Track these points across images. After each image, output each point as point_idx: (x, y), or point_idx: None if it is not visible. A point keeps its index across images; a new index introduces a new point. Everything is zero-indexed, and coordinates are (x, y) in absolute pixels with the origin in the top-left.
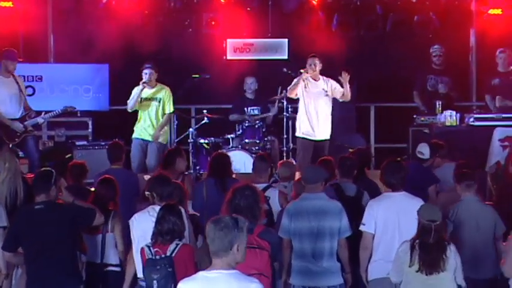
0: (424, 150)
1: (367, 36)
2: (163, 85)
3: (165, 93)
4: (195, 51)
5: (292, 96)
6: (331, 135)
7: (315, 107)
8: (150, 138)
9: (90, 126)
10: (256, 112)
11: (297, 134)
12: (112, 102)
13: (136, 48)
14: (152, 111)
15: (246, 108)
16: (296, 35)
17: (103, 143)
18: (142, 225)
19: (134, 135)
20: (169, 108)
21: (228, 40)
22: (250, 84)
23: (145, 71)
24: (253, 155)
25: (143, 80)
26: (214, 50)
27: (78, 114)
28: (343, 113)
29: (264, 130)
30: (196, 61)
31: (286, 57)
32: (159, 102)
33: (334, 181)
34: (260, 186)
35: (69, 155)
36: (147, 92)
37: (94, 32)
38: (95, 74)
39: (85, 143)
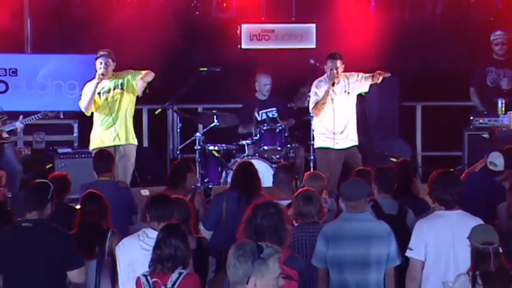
0: (497, 160)
1: (413, 20)
2: (117, 72)
3: (124, 74)
4: (202, 39)
5: (318, 116)
6: (368, 141)
7: (336, 109)
8: (121, 141)
9: (76, 131)
10: (271, 115)
11: (317, 144)
12: None
13: (132, 35)
14: (116, 103)
15: (257, 113)
16: (325, 18)
17: (91, 151)
18: (131, 252)
19: (94, 145)
20: (140, 72)
21: (243, 26)
22: (265, 85)
23: (100, 60)
24: (274, 165)
25: (99, 72)
26: (226, 37)
27: (61, 116)
28: (382, 114)
29: (286, 135)
30: (204, 51)
31: (313, 45)
32: (122, 87)
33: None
34: (282, 203)
35: (49, 166)
36: (104, 85)
37: (81, 15)
38: (82, 66)
39: (69, 150)
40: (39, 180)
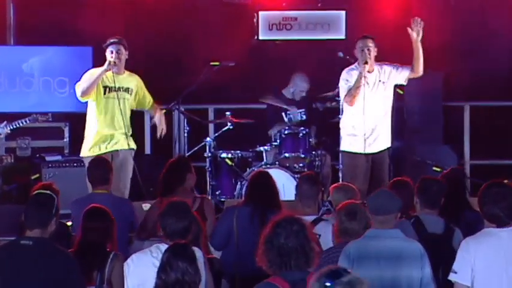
0: None
1: (461, 5)
2: (131, 73)
3: (137, 82)
4: (213, 28)
5: (353, 104)
6: (406, 147)
7: (367, 106)
8: (122, 146)
9: (67, 135)
10: (300, 117)
11: (344, 146)
12: None
13: (133, 24)
14: (121, 105)
15: (283, 113)
16: (357, 4)
17: (83, 158)
18: (142, 270)
19: (89, 151)
20: (147, 95)
21: (261, 13)
22: (301, 90)
23: (111, 48)
24: (297, 175)
25: (111, 59)
26: (241, 27)
27: (50, 118)
28: (424, 115)
29: (310, 140)
30: (215, 43)
31: (343, 36)
32: (131, 94)
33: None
34: (307, 219)
35: (35, 176)
36: (112, 79)
37: (73, 0)
38: (74, 60)
39: (59, 158)
40: (41, 192)
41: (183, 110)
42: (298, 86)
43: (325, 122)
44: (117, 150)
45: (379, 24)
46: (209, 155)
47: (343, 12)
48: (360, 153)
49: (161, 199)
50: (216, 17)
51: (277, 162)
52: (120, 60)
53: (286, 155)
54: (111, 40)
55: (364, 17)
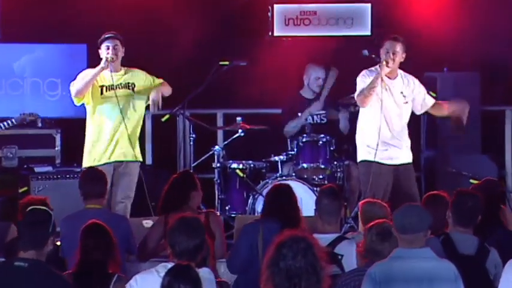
0: None
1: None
2: (129, 68)
3: (139, 73)
4: (222, 24)
5: (365, 105)
6: (440, 157)
7: (388, 116)
8: (127, 157)
9: (58, 143)
10: (320, 119)
11: (361, 156)
12: None
13: (130, 20)
14: (124, 106)
15: (301, 114)
16: None
17: (77, 169)
18: None
19: (90, 161)
20: (156, 79)
21: (276, 6)
22: (317, 78)
23: (107, 43)
24: (316, 189)
25: (108, 56)
26: (253, 22)
27: (39, 124)
28: None
29: (332, 149)
30: (224, 41)
31: (368, 32)
32: (133, 89)
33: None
34: (328, 238)
35: (23, 189)
36: (110, 77)
37: None
38: (66, 59)
39: (49, 169)
40: (36, 208)
41: (188, 115)
42: (311, 76)
43: (348, 128)
44: (121, 162)
45: (408, 19)
46: (218, 165)
47: (368, 6)
48: (378, 162)
49: (164, 216)
50: (226, 11)
51: (294, 174)
52: (117, 56)
53: (304, 165)
54: (107, 35)
55: (392, 10)
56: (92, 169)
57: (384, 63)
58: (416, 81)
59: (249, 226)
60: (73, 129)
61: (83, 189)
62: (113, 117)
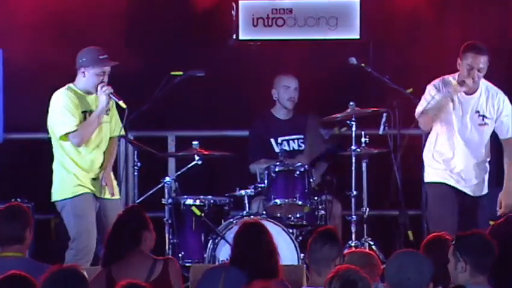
0: None
1: None
2: None
3: (112, 105)
4: (175, 25)
5: (426, 129)
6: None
7: (464, 136)
8: (107, 195)
9: None
10: (297, 146)
11: (428, 177)
12: (8, 127)
13: (62, 18)
14: (102, 135)
15: (273, 139)
16: None
17: None
18: None
19: (80, 189)
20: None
21: (241, 3)
22: (285, 87)
23: (103, 68)
24: (292, 230)
25: (108, 91)
26: (214, 23)
27: None
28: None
29: (312, 180)
30: (177, 46)
31: (357, 35)
32: (108, 114)
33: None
34: None
35: None
36: (92, 100)
37: None
38: None
39: None
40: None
41: (132, 138)
42: (280, 87)
43: (333, 154)
44: (104, 199)
45: (403, 17)
46: (169, 201)
47: (356, 1)
48: (452, 187)
49: (106, 269)
50: (180, 10)
51: (264, 212)
52: None
53: (278, 201)
54: (101, 56)
55: (387, 7)
56: (8, 207)
57: (460, 83)
58: (502, 96)
59: (210, 272)
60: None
61: None
62: (95, 148)
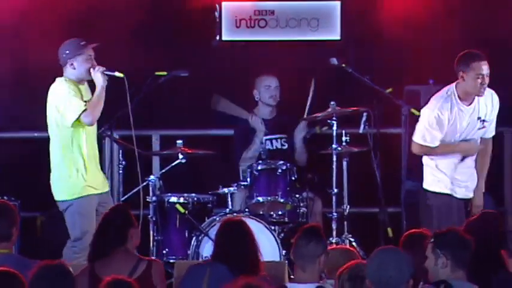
0: None
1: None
2: None
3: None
4: (159, 26)
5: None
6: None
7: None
8: (106, 188)
9: None
10: (280, 145)
11: (432, 186)
12: None
13: (45, 13)
14: (95, 131)
15: (256, 137)
16: None
17: None
18: None
19: (87, 191)
20: None
21: (225, 4)
22: (267, 87)
23: (90, 52)
24: (274, 227)
25: (101, 69)
26: (197, 24)
27: None
28: None
29: (293, 178)
30: (162, 46)
31: (337, 36)
32: None
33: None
34: None
35: None
36: (85, 91)
37: None
38: None
39: None
40: None
41: (116, 137)
42: (261, 87)
43: (313, 153)
44: (102, 193)
45: (387, 20)
46: (153, 199)
47: (337, 3)
48: (452, 197)
49: (90, 265)
50: (163, 12)
51: (247, 210)
52: None
53: (260, 199)
54: (81, 42)
55: (368, 9)
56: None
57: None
58: (498, 100)
59: (194, 268)
60: None
61: None
62: (93, 141)
